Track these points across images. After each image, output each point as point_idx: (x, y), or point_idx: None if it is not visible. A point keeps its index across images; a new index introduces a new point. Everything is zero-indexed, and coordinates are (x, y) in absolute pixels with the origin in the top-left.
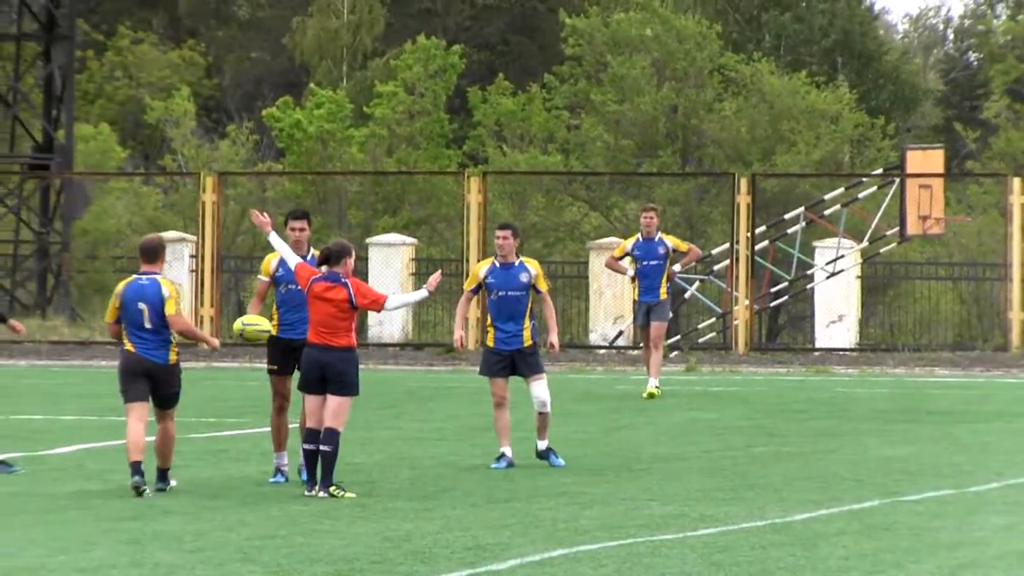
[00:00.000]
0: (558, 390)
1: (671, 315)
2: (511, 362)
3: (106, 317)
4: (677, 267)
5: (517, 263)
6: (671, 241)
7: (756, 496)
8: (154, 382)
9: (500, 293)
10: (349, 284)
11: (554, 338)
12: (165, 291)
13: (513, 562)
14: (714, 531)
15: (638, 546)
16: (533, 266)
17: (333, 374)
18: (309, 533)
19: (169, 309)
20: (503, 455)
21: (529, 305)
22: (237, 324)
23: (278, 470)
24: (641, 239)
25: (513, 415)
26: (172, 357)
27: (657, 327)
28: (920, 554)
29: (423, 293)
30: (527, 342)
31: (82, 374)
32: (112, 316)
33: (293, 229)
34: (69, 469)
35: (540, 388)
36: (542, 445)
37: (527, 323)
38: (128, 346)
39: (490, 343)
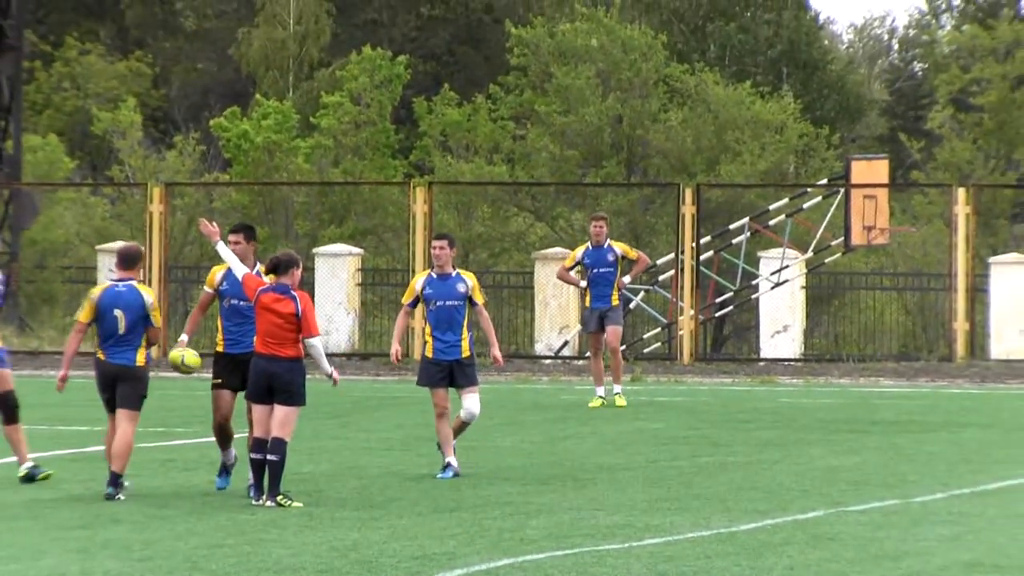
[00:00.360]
0: (504, 400)
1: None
2: (449, 372)
3: (79, 316)
4: (627, 279)
5: (454, 274)
6: (620, 248)
7: (702, 506)
8: (119, 383)
9: (438, 303)
10: (297, 298)
11: (496, 352)
12: (148, 299)
13: (459, 571)
14: (659, 541)
15: (584, 556)
16: (470, 278)
17: (280, 384)
18: (256, 542)
19: (156, 319)
20: (448, 464)
21: (467, 316)
22: (176, 355)
23: (224, 468)
24: (591, 247)
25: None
26: (140, 359)
27: (613, 331)
28: (865, 564)
29: (332, 373)
30: (465, 353)
31: (32, 384)
32: (87, 317)
33: (230, 243)
34: (17, 479)
35: (472, 401)
36: (448, 459)
37: (465, 334)
38: (100, 354)
39: (429, 354)
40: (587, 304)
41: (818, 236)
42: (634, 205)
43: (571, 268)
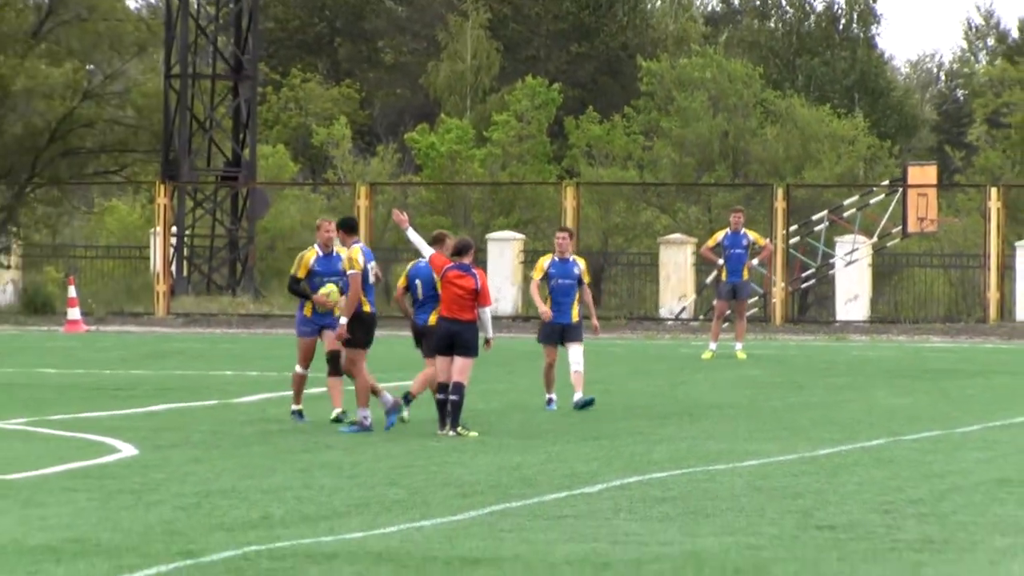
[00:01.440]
0: (633, 353)
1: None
2: (561, 332)
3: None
4: (755, 261)
5: (571, 259)
6: (752, 235)
7: (790, 435)
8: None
9: (558, 280)
10: (477, 276)
11: (595, 320)
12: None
13: (600, 486)
14: (756, 463)
15: (697, 474)
16: (581, 262)
17: (460, 341)
18: (441, 463)
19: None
20: (550, 400)
21: (577, 291)
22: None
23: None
24: (730, 232)
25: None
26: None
27: (741, 303)
28: (917, 480)
29: (490, 339)
30: (574, 318)
31: (264, 340)
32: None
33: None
34: (253, 413)
35: (576, 351)
36: (577, 396)
37: (576, 305)
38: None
39: (547, 318)
40: (723, 278)
41: (881, 225)
42: (738, 201)
43: (713, 248)
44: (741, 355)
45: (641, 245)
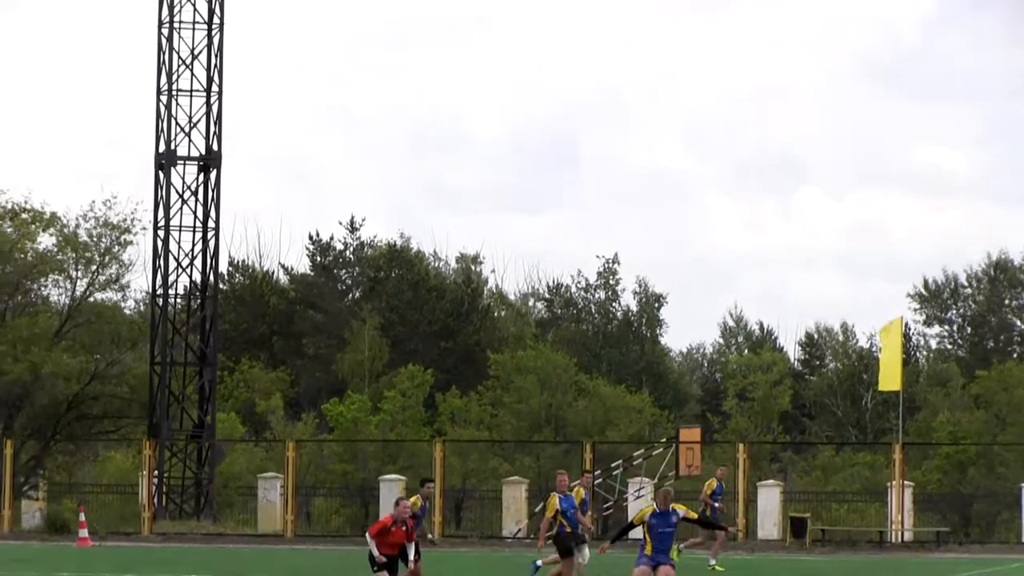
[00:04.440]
0: (484, 562)
1: None
2: None
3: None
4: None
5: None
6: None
7: None
8: None
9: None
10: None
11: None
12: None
13: None
14: None
15: None
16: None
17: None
18: None
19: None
20: None
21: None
22: None
23: None
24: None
25: None
26: None
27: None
28: None
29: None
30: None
31: (221, 551)
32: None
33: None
34: None
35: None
36: None
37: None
38: None
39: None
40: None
41: (660, 470)
42: (561, 455)
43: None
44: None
45: (489, 484)
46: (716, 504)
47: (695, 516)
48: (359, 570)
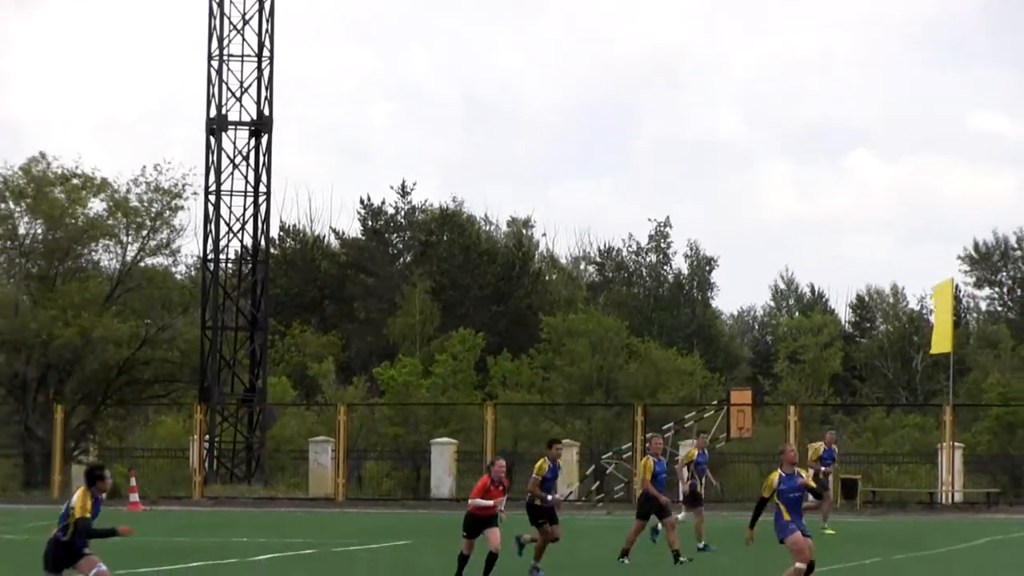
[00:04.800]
0: None
1: None
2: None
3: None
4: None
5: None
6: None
7: None
8: None
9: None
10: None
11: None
12: None
13: None
14: None
15: None
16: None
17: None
18: None
19: None
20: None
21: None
22: None
23: None
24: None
25: None
26: None
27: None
28: None
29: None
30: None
31: (271, 516)
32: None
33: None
34: (263, 570)
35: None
36: None
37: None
38: None
39: None
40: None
41: (712, 432)
42: (612, 417)
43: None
44: None
45: (540, 447)
46: (824, 468)
47: (813, 485)
48: (411, 534)
